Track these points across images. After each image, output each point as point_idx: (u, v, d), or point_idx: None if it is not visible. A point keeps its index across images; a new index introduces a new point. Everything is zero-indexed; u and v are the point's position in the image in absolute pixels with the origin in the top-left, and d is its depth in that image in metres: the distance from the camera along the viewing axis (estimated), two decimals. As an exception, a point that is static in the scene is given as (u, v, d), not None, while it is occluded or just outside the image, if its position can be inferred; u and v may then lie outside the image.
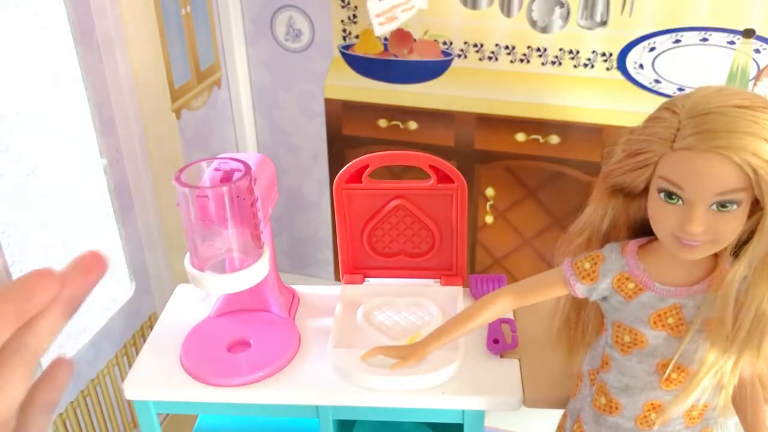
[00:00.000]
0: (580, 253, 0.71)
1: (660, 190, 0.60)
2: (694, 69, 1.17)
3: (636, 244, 0.68)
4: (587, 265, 0.69)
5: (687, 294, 0.65)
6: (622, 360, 0.69)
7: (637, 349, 0.68)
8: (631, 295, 0.67)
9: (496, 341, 0.91)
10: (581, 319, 0.77)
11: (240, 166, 0.83)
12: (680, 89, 1.19)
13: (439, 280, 1.04)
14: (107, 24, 1.07)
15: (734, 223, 0.59)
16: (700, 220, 0.58)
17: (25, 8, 1.19)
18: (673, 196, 0.59)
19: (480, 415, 0.87)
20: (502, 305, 0.76)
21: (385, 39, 1.31)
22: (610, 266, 0.68)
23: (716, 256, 0.64)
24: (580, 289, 0.70)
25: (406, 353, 0.81)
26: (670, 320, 0.65)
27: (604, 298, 0.70)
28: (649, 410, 0.69)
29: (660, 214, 0.61)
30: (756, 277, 0.61)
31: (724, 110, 0.56)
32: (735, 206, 0.58)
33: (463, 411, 0.87)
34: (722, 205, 0.58)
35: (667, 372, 0.66)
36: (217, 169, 0.86)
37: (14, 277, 1.27)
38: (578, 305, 0.77)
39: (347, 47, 1.34)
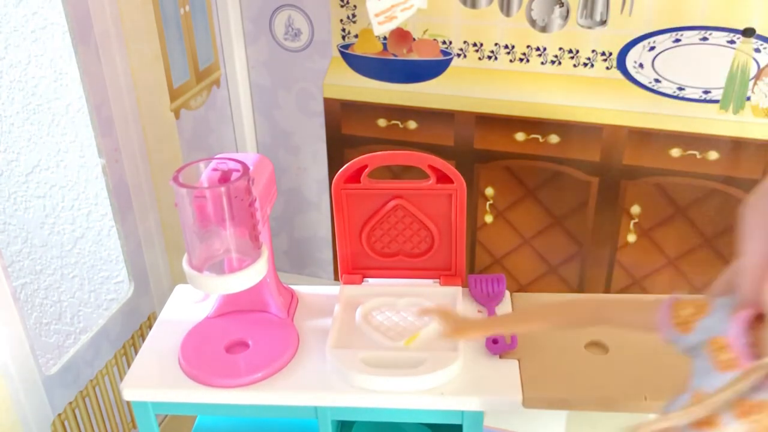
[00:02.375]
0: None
1: None
2: (694, 68, 1.17)
3: (758, 309, 0.53)
4: (686, 312, 0.58)
5: None
6: None
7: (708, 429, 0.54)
8: (724, 368, 0.53)
9: (495, 341, 0.91)
10: None
11: (238, 166, 0.83)
12: (680, 88, 1.19)
13: (438, 280, 1.04)
14: (105, 23, 1.07)
15: None
16: None
17: (25, 7, 1.19)
18: None
19: (479, 416, 0.87)
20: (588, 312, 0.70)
21: (385, 38, 1.30)
22: (710, 324, 0.55)
23: None
24: (669, 334, 0.59)
25: (461, 327, 0.80)
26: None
27: (694, 355, 0.57)
28: None
29: None
30: None
31: None
32: None
33: (462, 412, 0.87)
34: None
35: None
36: (215, 170, 0.85)
37: (12, 276, 1.27)
38: None
39: (346, 47, 1.33)
